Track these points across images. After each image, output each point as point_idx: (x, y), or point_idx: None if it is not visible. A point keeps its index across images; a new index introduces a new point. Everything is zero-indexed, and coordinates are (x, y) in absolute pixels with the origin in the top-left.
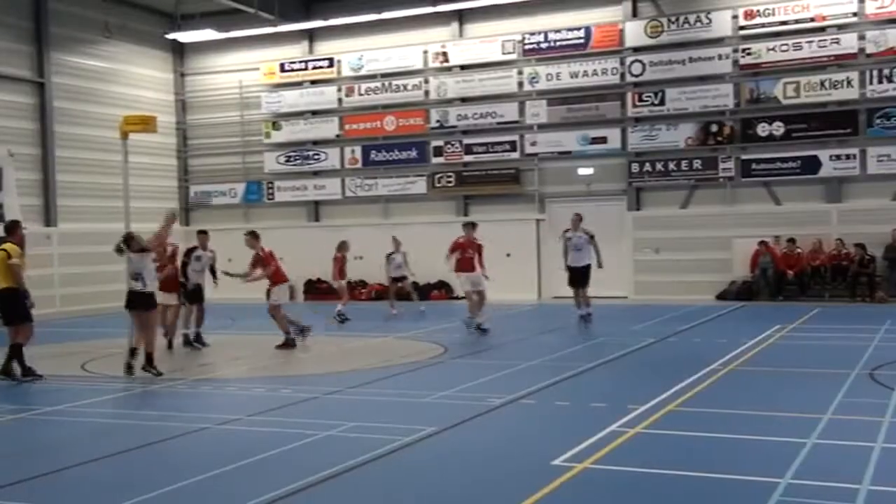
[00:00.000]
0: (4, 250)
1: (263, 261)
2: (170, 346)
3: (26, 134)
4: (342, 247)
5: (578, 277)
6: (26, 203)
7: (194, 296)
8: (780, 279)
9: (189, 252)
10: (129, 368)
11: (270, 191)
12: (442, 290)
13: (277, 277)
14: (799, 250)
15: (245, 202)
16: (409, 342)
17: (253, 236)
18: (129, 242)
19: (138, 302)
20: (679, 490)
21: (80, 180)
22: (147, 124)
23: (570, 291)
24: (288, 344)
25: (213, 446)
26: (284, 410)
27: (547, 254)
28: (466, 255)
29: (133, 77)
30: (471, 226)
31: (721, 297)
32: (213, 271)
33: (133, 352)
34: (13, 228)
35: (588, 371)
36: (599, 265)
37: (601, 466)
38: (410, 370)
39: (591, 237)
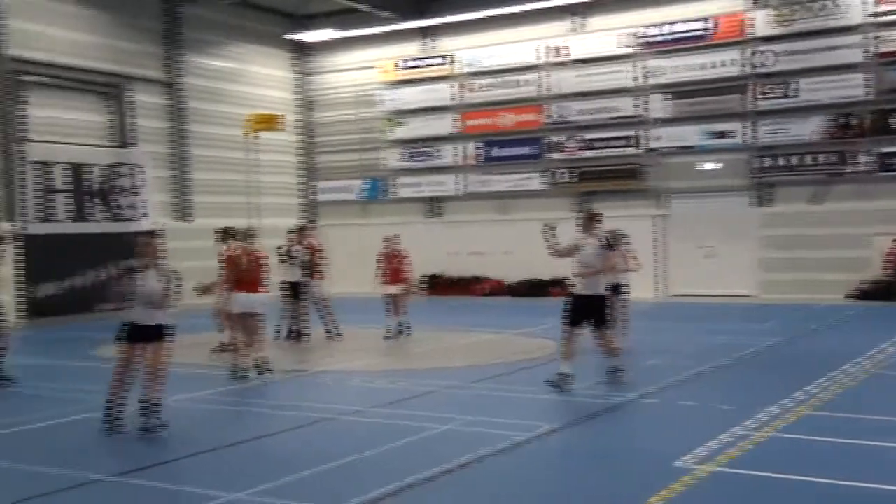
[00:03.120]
0: None
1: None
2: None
3: (160, 133)
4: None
5: (582, 313)
6: (160, 199)
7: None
8: None
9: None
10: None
11: (390, 187)
12: (559, 286)
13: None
14: None
15: (365, 198)
16: (525, 339)
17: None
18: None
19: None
20: (809, 498)
21: (211, 177)
22: (272, 123)
23: (693, 289)
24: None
25: (337, 436)
26: (405, 403)
27: (668, 250)
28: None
29: (258, 77)
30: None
31: (857, 296)
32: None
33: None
34: None
35: (714, 371)
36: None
37: (727, 469)
38: (528, 367)
39: (610, 245)
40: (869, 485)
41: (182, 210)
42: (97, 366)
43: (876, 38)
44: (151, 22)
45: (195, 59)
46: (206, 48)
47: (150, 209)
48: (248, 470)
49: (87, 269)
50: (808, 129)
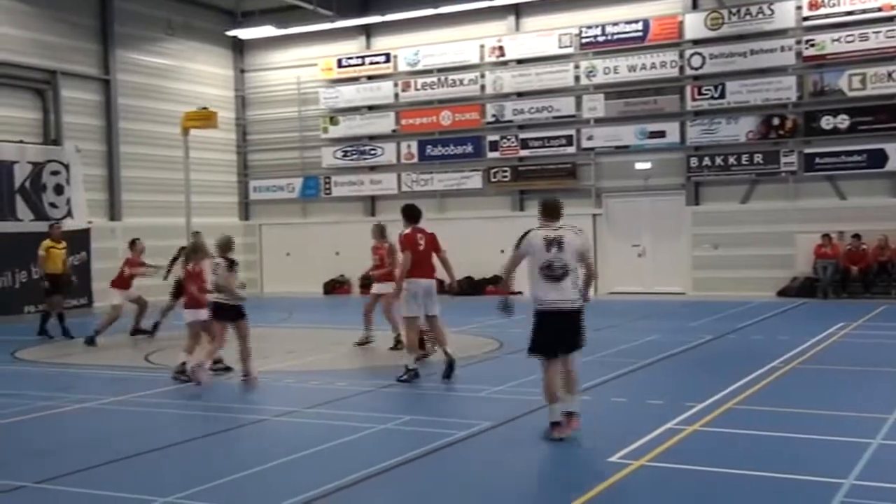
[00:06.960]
0: None
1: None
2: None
3: (92, 130)
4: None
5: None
6: (92, 198)
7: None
8: (845, 276)
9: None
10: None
11: (328, 186)
12: (497, 285)
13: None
14: (864, 246)
15: (302, 197)
16: (464, 337)
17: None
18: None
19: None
20: (737, 489)
21: (144, 175)
22: (208, 120)
23: (628, 286)
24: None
25: (269, 438)
26: (340, 403)
27: (603, 249)
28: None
29: (195, 74)
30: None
31: (782, 293)
32: None
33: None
34: None
35: (645, 367)
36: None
37: (658, 464)
38: (466, 365)
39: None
40: (783, 475)
41: (112, 209)
42: (16, 369)
43: (805, 41)
44: (85, 17)
45: (130, 55)
46: (141, 44)
47: (77, 208)
48: (179, 473)
49: (13, 269)
50: (742, 129)
